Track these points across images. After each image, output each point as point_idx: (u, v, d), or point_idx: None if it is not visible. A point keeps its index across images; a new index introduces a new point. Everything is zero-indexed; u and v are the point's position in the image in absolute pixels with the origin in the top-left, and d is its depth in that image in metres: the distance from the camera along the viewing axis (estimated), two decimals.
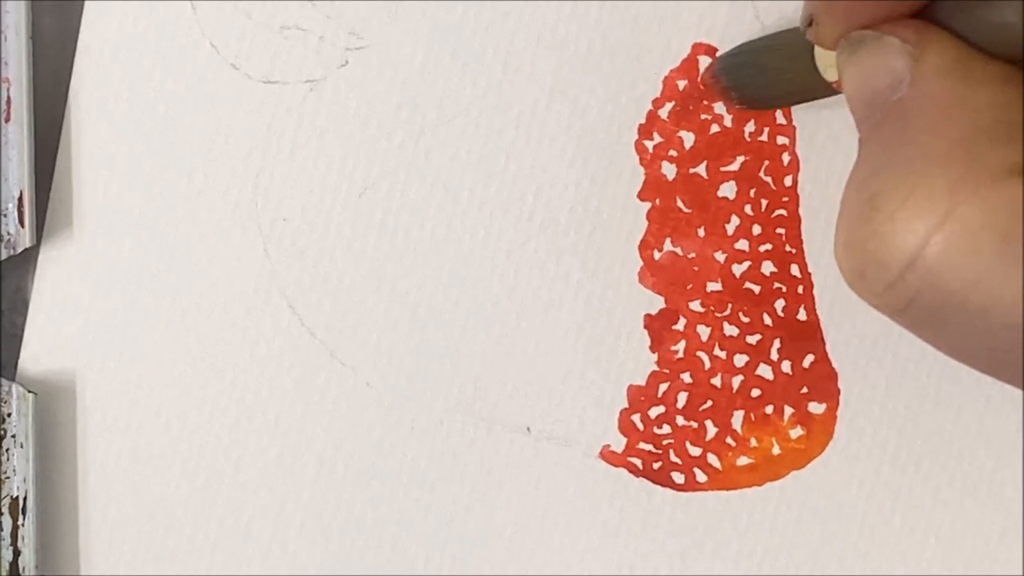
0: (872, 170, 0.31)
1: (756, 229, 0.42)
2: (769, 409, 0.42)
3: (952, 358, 0.32)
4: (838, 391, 0.42)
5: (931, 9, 0.32)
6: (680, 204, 0.42)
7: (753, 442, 0.42)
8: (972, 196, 0.29)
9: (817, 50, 0.36)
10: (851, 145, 0.41)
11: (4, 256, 0.40)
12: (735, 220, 0.41)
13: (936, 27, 0.32)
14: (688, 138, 0.41)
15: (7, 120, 0.40)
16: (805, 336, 0.42)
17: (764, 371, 0.42)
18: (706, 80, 0.41)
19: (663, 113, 0.41)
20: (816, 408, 0.42)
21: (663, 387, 0.42)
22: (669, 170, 0.41)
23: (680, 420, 0.42)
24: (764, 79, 0.39)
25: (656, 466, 0.42)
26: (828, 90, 0.37)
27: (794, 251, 0.42)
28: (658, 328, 0.42)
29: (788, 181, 0.41)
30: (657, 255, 0.42)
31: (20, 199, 0.40)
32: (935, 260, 0.29)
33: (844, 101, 0.41)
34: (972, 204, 0.29)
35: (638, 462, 0.42)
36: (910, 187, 0.30)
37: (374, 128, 0.41)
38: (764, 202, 0.41)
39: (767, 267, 0.42)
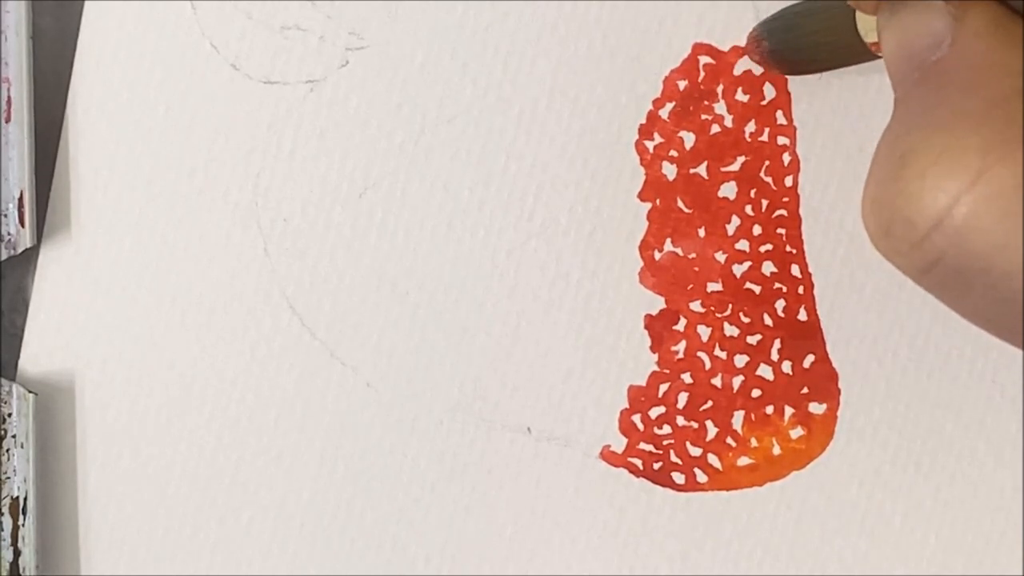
0: (905, 128, 0.31)
1: (756, 229, 0.42)
2: (769, 409, 0.42)
3: (972, 323, 0.32)
4: (838, 391, 0.42)
5: None
6: (681, 204, 0.42)
7: (753, 442, 0.42)
8: (1005, 158, 0.29)
9: (859, 13, 0.36)
10: (851, 146, 0.42)
11: (4, 256, 0.40)
12: (735, 220, 0.41)
13: None
14: (688, 138, 0.41)
15: (7, 120, 0.40)
16: (805, 336, 0.42)
17: (764, 371, 0.42)
18: (749, 44, 0.41)
19: (663, 113, 0.41)
20: (816, 408, 0.42)
21: (663, 387, 0.42)
22: (669, 170, 0.41)
23: (680, 420, 0.42)
24: (805, 42, 0.39)
25: (656, 466, 0.42)
26: (868, 54, 0.37)
27: (794, 251, 0.42)
28: (658, 328, 0.42)
29: (788, 181, 0.42)
30: (657, 255, 0.42)
31: (20, 199, 0.40)
32: (963, 220, 0.29)
33: (848, 104, 0.41)
34: (1005, 166, 0.29)
35: (638, 462, 0.42)
36: (943, 146, 0.29)
37: (374, 128, 0.41)
38: (764, 202, 0.41)
39: (767, 267, 0.42)
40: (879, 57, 0.36)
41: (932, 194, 0.29)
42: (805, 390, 0.42)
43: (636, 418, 0.42)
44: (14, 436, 0.41)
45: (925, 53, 0.32)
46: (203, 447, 0.42)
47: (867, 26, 0.36)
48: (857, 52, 0.37)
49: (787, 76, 0.41)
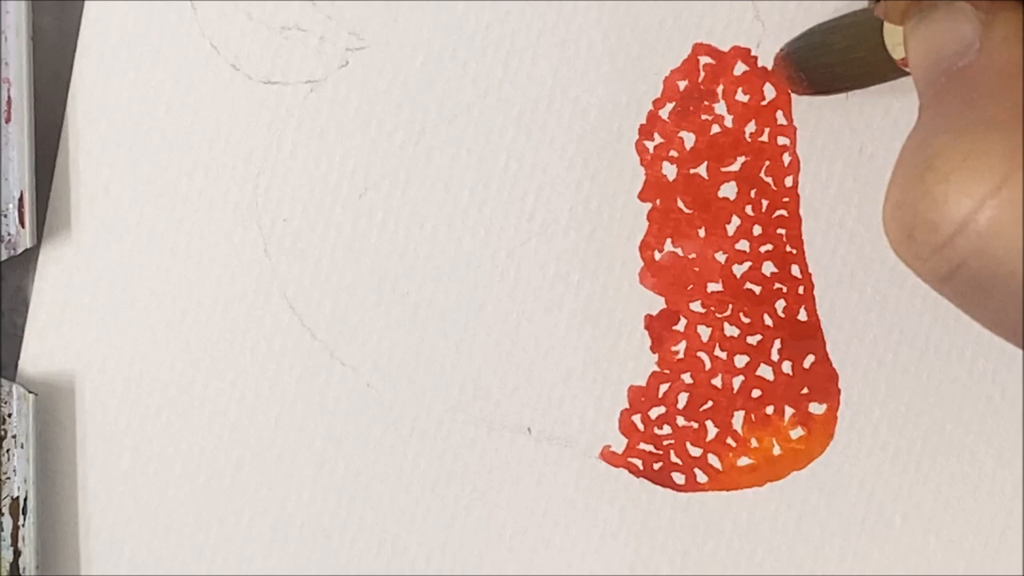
0: (931, 133, 0.30)
1: (757, 230, 0.42)
2: (770, 409, 0.42)
3: (991, 331, 0.31)
4: (838, 391, 0.42)
5: None
6: (681, 204, 0.42)
7: (754, 442, 0.42)
8: None
9: (886, 28, 0.36)
10: (852, 146, 0.41)
11: (4, 256, 0.40)
12: (736, 220, 0.42)
13: None
14: (689, 138, 0.41)
15: (7, 120, 0.40)
16: (805, 336, 0.42)
17: (765, 371, 0.42)
18: (776, 65, 0.41)
19: (664, 113, 0.41)
20: (816, 408, 0.42)
21: (663, 387, 0.42)
22: (670, 170, 0.41)
23: (680, 421, 0.42)
24: (832, 59, 0.39)
25: (656, 466, 0.42)
26: (896, 71, 0.37)
27: (795, 251, 0.42)
28: (659, 328, 0.42)
29: (789, 181, 0.42)
30: (658, 255, 0.42)
31: (20, 199, 0.40)
32: (987, 225, 0.29)
33: (849, 104, 0.41)
34: None
35: (638, 462, 0.42)
36: (968, 150, 0.29)
37: (374, 128, 0.41)
38: (765, 202, 0.41)
39: (768, 268, 0.42)
40: (906, 74, 0.36)
41: (956, 198, 0.29)
42: (805, 390, 0.42)
43: (636, 418, 0.42)
44: (14, 436, 0.41)
45: (952, 58, 0.31)
46: (203, 447, 0.42)
47: (894, 40, 0.36)
48: (884, 69, 0.37)
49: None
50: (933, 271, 0.30)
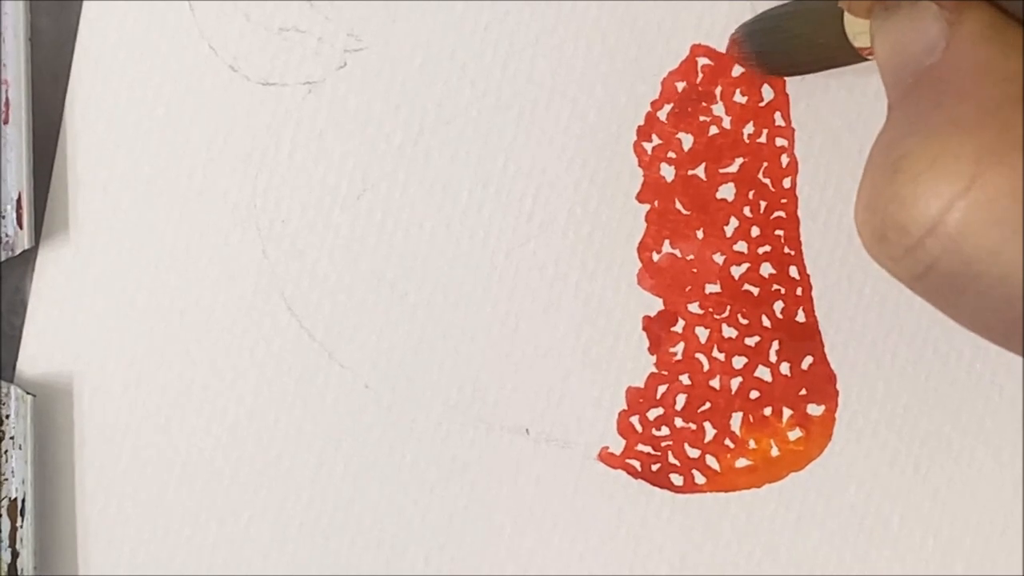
0: (899, 134, 0.31)
1: (755, 231, 0.42)
2: (768, 411, 0.42)
3: (966, 328, 0.31)
4: (837, 393, 0.42)
5: None
6: (679, 206, 0.42)
7: (752, 444, 0.42)
8: (998, 164, 0.29)
9: (847, 16, 0.36)
10: (851, 146, 0.41)
11: (3, 258, 0.40)
12: (734, 222, 0.41)
13: None
14: (687, 140, 0.41)
15: (5, 121, 0.40)
16: (804, 338, 0.42)
17: (763, 373, 0.42)
18: (730, 47, 0.41)
19: (662, 115, 0.41)
20: (815, 410, 0.42)
21: (662, 389, 0.42)
22: (668, 172, 0.41)
23: (679, 422, 0.42)
24: (789, 45, 0.39)
25: (655, 468, 0.42)
26: (855, 57, 0.37)
27: (793, 253, 0.42)
28: (657, 330, 0.42)
29: (787, 183, 0.41)
30: (656, 257, 0.42)
31: (19, 201, 0.40)
32: (957, 226, 0.29)
33: (847, 105, 0.41)
34: (998, 172, 0.29)
35: (637, 464, 0.42)
36: (937, 151, 0.29)
37: (373, 129, 0.41)
38: (763, 204, 0.41)
39: (766, 269, 0.42)
40: (865, 60, 0.36)
41: (926, 200, 0.29)
42: (803, 391, 0.42)
43: (634, 419, 0.42)
44: (12, 438, 0.41)
45: (919, 58, 0.31)
46: (202, 448, 0.42)
47: (855, 29, 0.36)
48: (843, 55, 0.37)
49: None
50: (905, 271, 0.30)
